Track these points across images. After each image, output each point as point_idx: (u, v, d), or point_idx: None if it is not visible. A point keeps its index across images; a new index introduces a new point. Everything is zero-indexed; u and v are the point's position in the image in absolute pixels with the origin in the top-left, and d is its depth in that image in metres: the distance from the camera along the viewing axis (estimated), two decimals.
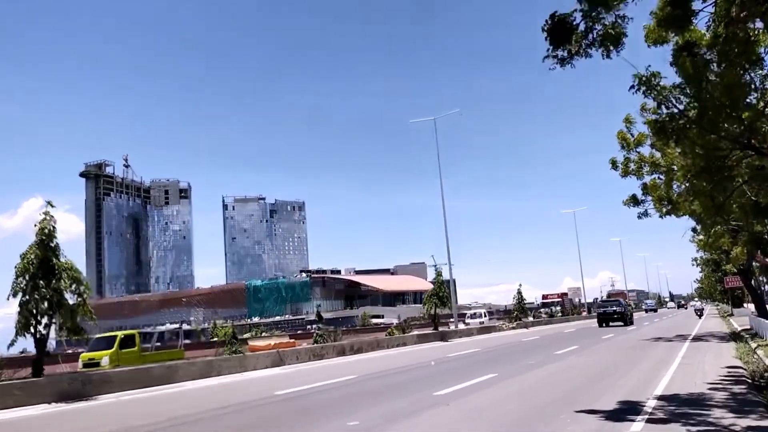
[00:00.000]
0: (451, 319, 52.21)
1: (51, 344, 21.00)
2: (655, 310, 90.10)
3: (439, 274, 40.10)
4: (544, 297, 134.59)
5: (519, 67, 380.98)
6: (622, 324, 47.00)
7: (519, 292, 58.62)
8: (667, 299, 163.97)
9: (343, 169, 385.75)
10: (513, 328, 51.70)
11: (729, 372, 15.11)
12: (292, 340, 26.28)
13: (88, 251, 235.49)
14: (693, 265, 69.09)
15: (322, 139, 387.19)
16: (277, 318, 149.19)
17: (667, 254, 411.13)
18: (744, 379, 14.01)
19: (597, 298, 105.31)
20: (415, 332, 38.79)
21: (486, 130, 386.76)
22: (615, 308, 49.08)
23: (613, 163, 31.92)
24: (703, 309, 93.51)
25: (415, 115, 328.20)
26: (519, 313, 57.57)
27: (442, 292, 39.48)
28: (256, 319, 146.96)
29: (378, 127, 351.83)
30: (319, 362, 24.86)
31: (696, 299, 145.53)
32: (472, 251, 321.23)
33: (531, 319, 62.89)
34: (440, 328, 41.92)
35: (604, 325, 46.87)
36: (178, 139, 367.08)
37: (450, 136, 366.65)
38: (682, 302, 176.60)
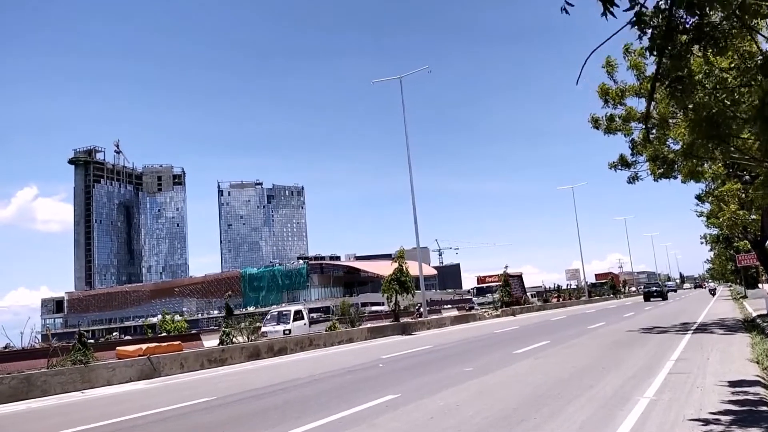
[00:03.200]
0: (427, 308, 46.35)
1: None
2: (664, 296, 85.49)
3: (400, 254, 34.32)
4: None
5: (517, 47, 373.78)
6: (661, 299, 64.59)
7: (504, 275, 52.96)
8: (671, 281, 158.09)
9: (344, 152, 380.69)
10: (497, 315, 46.16)
11: (738, 392, 9.67)
12: (177, 343, 20.88)
13: (76, 240, 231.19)
14: (701, 243, 63.89)
15: (321, 121, 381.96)
16: (274, 307, 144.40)
17: (677, 234, 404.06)
18: (765, 401, 8.91)
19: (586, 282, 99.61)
20: (368, 325, 33.27)
21: (488, 113, 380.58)
22: (655, 288, 69.51)
23: (595, 121, 26.39)
24: (715, 289, 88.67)
25: (419, 96, 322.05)
26: (505, 298, 51.91)
27: (404, 277, 33.87)
28: (251, 309, 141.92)
29: (379, 107, 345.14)
30: (215, 370, 19.52)
31: (709, 280, 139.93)
32: (479, 234, 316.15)
33: (521, 305, 57.19)
34: (405, 319, 36.66)
35: (650, 299, 64.80)
36: (171, 123, 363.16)
37: (459, 120, 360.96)
38: (698, 282, 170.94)
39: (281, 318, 30.92)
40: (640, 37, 7.13)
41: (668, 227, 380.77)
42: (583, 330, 25.93)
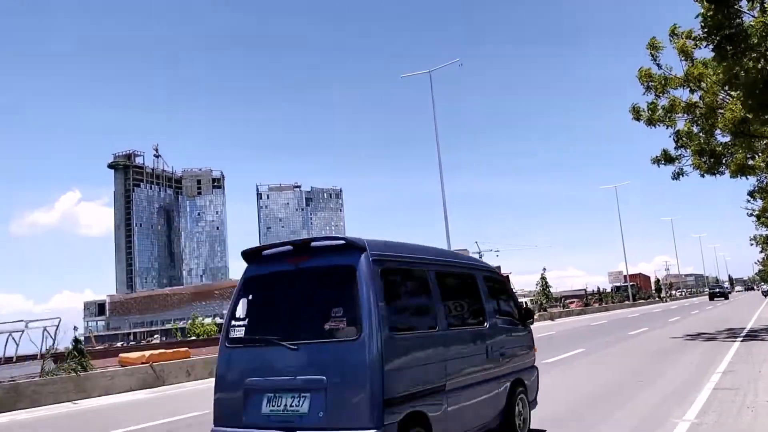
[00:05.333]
0: None
1: None
2: (726, 296, 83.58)
3: None
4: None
5: (551, 44, 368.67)
6: (723, 298, 78.12)
7: (543, 279, 51.10)
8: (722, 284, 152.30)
9: (383, 154, 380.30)
10: (534, 320, 44.36)
11: None
12: (184, 350, 19.77)
13: (117, 244, 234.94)
14: (752, 244, 61.18)
15: (360, 124, 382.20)
16: None
17: (725, 234, 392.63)
18: None
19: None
20: None
21: (529, 112, 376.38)
22: (719, 290, 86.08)
23: (636, 112, 24.66)
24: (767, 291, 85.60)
25: (460, 95, 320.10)
26: (544, 302, 50.02)
27: None
28: None
29: (417, 110, 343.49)
30: None
31: (761, 283, 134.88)
32: (520, 236, 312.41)
33: (560, 309, 55.20)
34: None
35: (714, 299, 77.62)
36: (210, 127, 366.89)
37: (501, 119, 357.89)
38: (749, 285, 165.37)
39: None
40: None
41: (716, 227, 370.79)
42: (623, 336, 24.23)
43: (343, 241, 5.58)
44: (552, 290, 54.91)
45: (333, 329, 5.25)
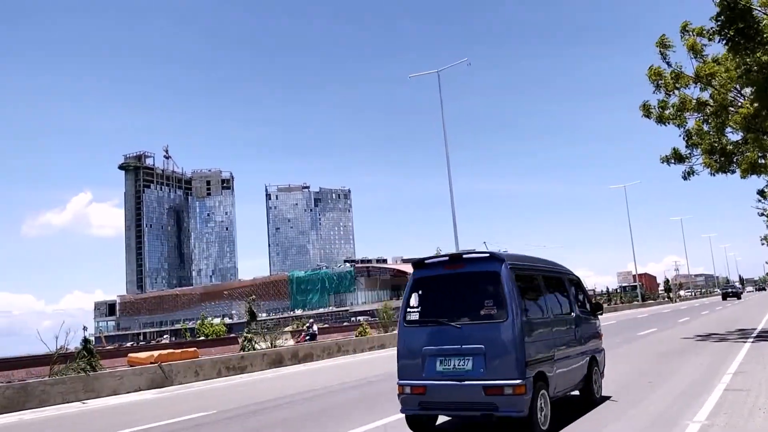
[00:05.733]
0: None
1: None
2: (738, 295, 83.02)
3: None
4: None
5: (566, 43, 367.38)
6: (736, 298, 79.36)
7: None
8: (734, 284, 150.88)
9: (390, 155, 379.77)
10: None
11: None
12: (192, 350, 19.75)
13: (128, 245, 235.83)
14: (763, 244, 60.47)
15: (367, 124, 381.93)
16: (321, 310, 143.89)
17: (736, 234, 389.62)
18: None
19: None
20: None
21: (533, 111, 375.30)
22: (731, 290, 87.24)
23: (646, 109, 24.46)
24: None
25: (469, 95, 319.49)
26: None
27: None
28: (299, 312, 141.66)
29: (424, 107, 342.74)
30: (231, 379, 18.44)
31: None
32: (529, 236, 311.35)
33: None
34: None
35: (727, 298, 79.62)
36: (219, 128, 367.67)
37: (508, 119, 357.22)
38: (761, 285, 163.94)
39: None
40: None
41: (726, 227, 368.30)
42: (632, 337, 24.07)
43: (488, 254, 8.21)
44: None
45: (487, 314, 7.72)
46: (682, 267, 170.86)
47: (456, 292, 8.17)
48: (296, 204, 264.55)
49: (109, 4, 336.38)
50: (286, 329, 45.07)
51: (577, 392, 9.70)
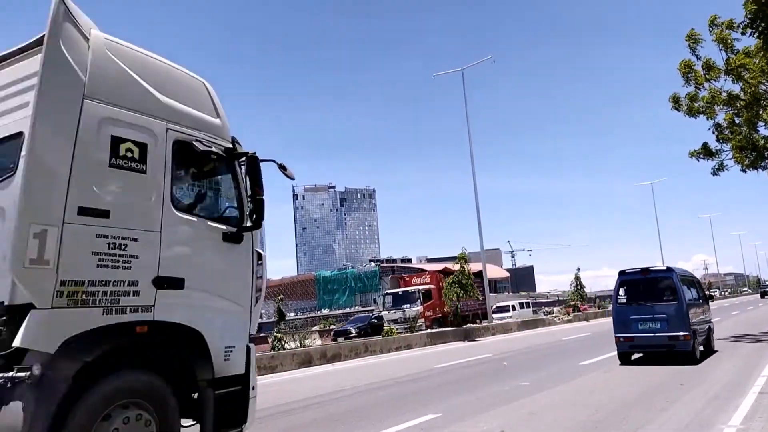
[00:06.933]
0: (498, 314, 44.18)
1: None
2: None
3: (461, 256, 32.59)
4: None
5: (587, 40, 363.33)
6: None
7: (577, 278, 50.34)
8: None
9: (414, 154, 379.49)
10: (569, 320, 43.74)
11: None
12: None
13: None
14: None
15: (392, 125, 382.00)
16: (347, 309, 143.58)
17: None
18: None
19: None
20: (428, 330, 31.70)
21: (558, 109, 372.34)
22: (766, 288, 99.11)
23: (675, 101, 24.09)
24: None
25: (493, 99, 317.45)
26: (577, 302, 49.29)
27: (465, 279, 32.09)
28: (326, 311, 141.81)
29: (449, 109, 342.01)
30: (262, 378, 18.45)
31: None
32: (554, 235, 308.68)
33: (595, 309, 54.28)
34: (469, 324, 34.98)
35: (765, 297, 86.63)
36: (248, 130, 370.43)
37: (522, 118, 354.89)
38: None
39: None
40: None
41: (756, 225, 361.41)
42: None
43: (666, 268, 15.76)
44: (587, 290, 53.94)
45: (666, 298, 14.70)
46: (711, 266, 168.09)
47: (647, 287, 15.27)
48: (322, 204, 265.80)
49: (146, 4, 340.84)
50: (314, 329, 45.15)
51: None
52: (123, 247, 5.16)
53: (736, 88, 22.75)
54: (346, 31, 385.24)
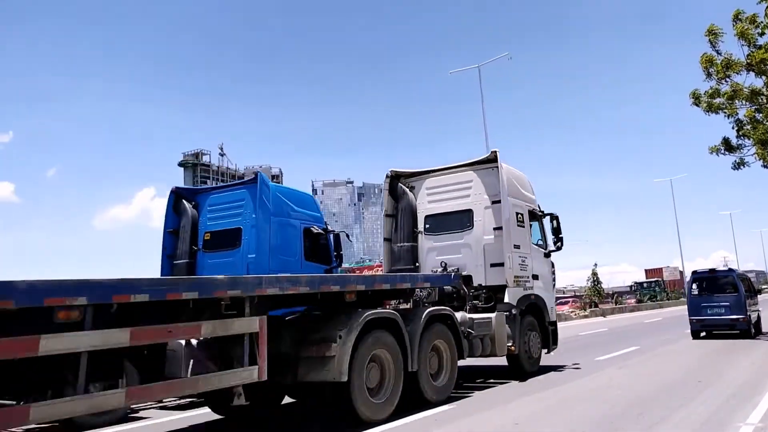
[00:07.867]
0: None
1: None
2: None
3: None
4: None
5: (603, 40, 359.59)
6: None
7: (594, 274, 49.83)
8: None
9: (430, 149, 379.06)
10: (585, 316, 43.33)
11: None
12: None
13: None
14: None
15: (409, 120, 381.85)
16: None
17: None
18: None
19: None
20: None
21: (575, 106, 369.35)
22: None
23: (695, 97, 23.56)
24: None
25: (511, 96, 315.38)
26: (593, 298, 48.77)
27: None
28: None
29: (466, 106, 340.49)
30: None
31: None
32: (571, 232, 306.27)
33: (612, 305, 53.71)
34: None
35: None
36: (269, 127, 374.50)
37: (541, 115, 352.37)
38: None
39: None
40: None
41: None
42: (679, 334, 23.20)
43: (728, 268, 22.33)
44: (604, 286, 53.37)
45: (729, 291, 20.20)
46: (731, 263, 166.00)
47: (713, 282, 20.54)
48: (341, 198, 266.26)
49: (164, 11, 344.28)
50: None
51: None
52: (524, 260, 12.70)
53: (758, 83, 22.27)
54: (368, 30, 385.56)
